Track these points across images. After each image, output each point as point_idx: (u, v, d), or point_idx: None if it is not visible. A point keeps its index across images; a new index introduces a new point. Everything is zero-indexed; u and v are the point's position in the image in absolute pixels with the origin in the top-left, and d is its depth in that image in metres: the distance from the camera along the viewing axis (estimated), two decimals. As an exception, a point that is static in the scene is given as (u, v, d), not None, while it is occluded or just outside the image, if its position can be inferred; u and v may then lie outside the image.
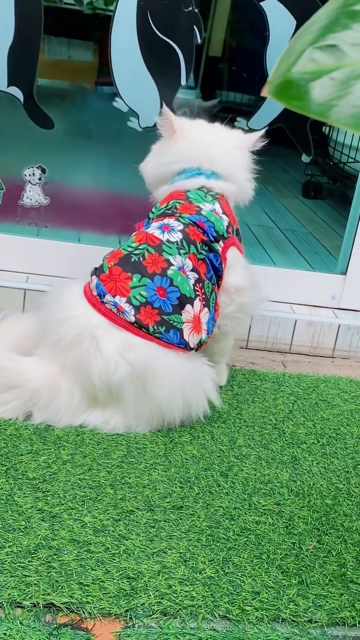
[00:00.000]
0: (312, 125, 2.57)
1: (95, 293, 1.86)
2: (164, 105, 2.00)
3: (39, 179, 2.42)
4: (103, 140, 2.53)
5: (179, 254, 1.90)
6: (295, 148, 3.02)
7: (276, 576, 1.46)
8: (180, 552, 1.48)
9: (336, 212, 3.57)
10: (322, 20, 0.57)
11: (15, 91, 2.30)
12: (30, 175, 2.41)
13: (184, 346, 1.88)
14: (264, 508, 1.67)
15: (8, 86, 2.29)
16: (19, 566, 1.38)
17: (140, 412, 1.87)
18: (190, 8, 2.27)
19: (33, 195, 2.43)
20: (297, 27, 2.34)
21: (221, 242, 1.98)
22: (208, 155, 2.04)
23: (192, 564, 1.46)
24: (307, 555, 1.53)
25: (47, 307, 1.95)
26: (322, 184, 3.64)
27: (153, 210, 2.05)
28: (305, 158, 2.55)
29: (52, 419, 1.84)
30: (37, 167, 2.40)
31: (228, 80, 3.25)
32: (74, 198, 2.51)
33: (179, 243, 1.91)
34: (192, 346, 1.90)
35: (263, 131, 2.11)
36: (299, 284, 2.61)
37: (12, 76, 2.29)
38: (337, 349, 2.57)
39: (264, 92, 0.58)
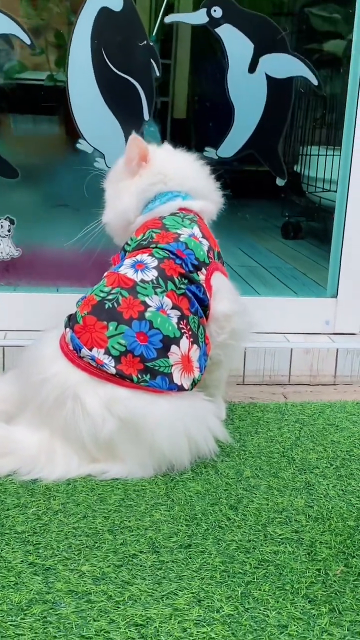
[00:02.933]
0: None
1: (71, 347, 1.74)
2: (134, 133, 1.92)
3: (8, 231, 2.33)
4: (70, 184, 2.45)
5: (156, 293, 1.77)
6: (270, 196, 2.97)
7: (303, 606, 1.29)
8: (192, 592, 1.31)
9: (318, 248, 3.50)
10: None
11: (-25, 143, 2.25)
12: (-2, 227, 2.32)
13: (176, 390, 1.74)
14: (281, 537, 1.50)
15: (-32, 139, 2.23)
16: (11, 625, 1.21)
17: (143, 461, 1.72)
18: (145, 42, 2.24)
19: (3, 248, 2.33)
20: (255, 50, 2.31)
21: (203, 270, 1.87)
22: (184, 172, 1.96)
23: (208, 603, 1.29)
24: (335, 581, 1.36)
25: (25, 369, 1.83)
26: (301, 222, 3.59)
27: (128, 242, 1.94)
28: (279, 182, 2.48)
29: (48, 477, 1.69)
30: (5, 219, 2.32)
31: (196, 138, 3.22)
32: (46, 247, 2.41)
33: (155, 281, 1.78)
34: (186, 387, 1.77)
35: None
36: (290, 312, 2.50)
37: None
38: (339, 375, 2.43)
39: None
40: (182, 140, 2.68)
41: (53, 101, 2.57)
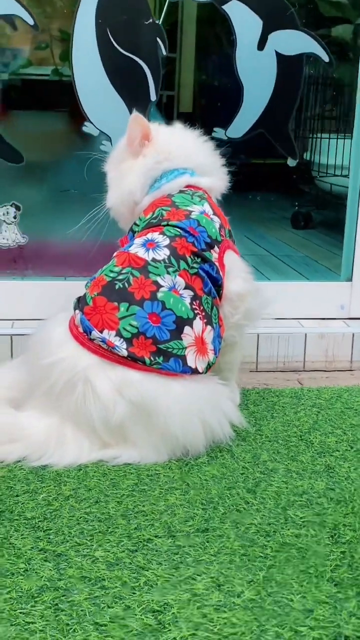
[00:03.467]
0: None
1: (81, 330, 1.68)
2: (134, 111, 1.86)
3: (14, 217, 2.27)
4: (76, 170, 2.39)
5: (168, 272, 1.71)
6: (279, 188, 2.91)
7: (329, 590, 1.22)
8: (211, 577, 1.25)
9: (331, 237, 3.43)
10: None
11: (-21, 127, 2.19)
12: (4, 214, 2.26)
13: (190, 373, 1.68)
14: (302, 520, 1.43)
15: (-29, 123, 2.18)
16: (21, 612, 1.15)
17: (156, 446, 1.66)
18: (151, 20, 2.18)
19: (9, 235, 2.28)
20: (264, 27, 2.25)
21: (216, 248, 1.80)
22: (191, 149, 1.90)
23: (228, 587, 1.22)
24: (361, 564, 1.30)
25: (33, 353, 1.77)
26: (311, 212, 3.52)
27: (137, 222, 1.88)
28: (290, 162, 2.41)
29: (58, 463, 1.63)
30: (11, 205, 2.26)
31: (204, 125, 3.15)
32: (53, 234, 2.36)
33: (167, 260, 1.72)
34: (200, 371, 1.70)
35: None
36: (304, 296, 2.43)
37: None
38: (355, 360, 2.36)
39: None
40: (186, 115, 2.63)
41: (59, 89, 2.53)
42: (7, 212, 2.26)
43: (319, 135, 3.13)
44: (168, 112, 2.70)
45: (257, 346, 2.30)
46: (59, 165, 2.45)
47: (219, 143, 2.03)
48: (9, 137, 2.24)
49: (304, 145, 3.19)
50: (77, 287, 2.20)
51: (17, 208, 2.27)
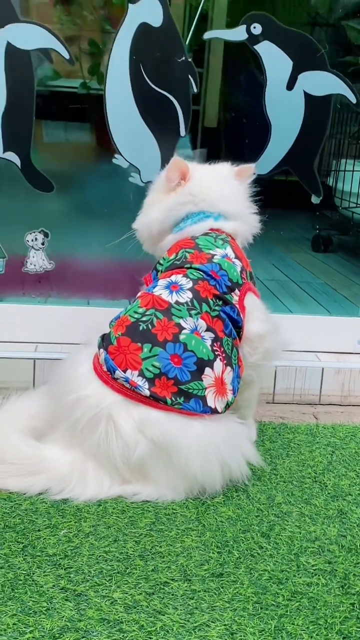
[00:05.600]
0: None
1: (104, 368, 1.73)
2: (175, 155, 1.91)
3: (42, 244, 2.33)
4: (105, 198, 2.45)
5: (190, 315, 1.76)
6: (299, 206, 2.94)
7: (338, 643, 1.27)
8: (225, 624, 1.30)
9: (350, 263, 3.47)
10: None
11: (12, 156, 2.24)
12: (32, 240, 2.32)
13: (210, 413, 1.73)
14: (314, 568, 1.48)
15: (4, 152, 2.23)
16: (42, 654, 1.20)
17: (174, 484, 1.71)
18: (183, 58, 2.23)
19: (37, 261, 2.33)
20: (294, 68, 2.29)
21: (237, 290, 1.85)
22: (216, 195, 1.94)
23: (240, 636, 1.27)
24: (370, 617, 1.34)
25: (58, 388, 1.82)
26: (332, 236, 3.55)
27: (161, 261, 1.93)
28: (314, 199, 2.45)
29: (79, 497, 1.69)
30: (39, 232, 2.32)
31: (225, 147, 3.20)
32: (78, 260, 2.41)
33: (189, 303, 1.77)
34: (219, 410, 1.75)
35: (253, 165, 2.02)
36: (322, 330, 2.47)
37: (7, 141, 2.23)
38: (371, 396, 2.40)
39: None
40: (213, 149, 2.68)
41: (88, 111, 2.58)
42: (36, 239, 2.32)
43: (342, 167, 3.17)
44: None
45: (274, 378, 2.35)
46: (89, 192, 2.50)
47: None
48: (40, 165, 2.29)
49: (327, 173, 3.22)
50: (100, 313, 2.27)
51: (46, 235, 2.32)
